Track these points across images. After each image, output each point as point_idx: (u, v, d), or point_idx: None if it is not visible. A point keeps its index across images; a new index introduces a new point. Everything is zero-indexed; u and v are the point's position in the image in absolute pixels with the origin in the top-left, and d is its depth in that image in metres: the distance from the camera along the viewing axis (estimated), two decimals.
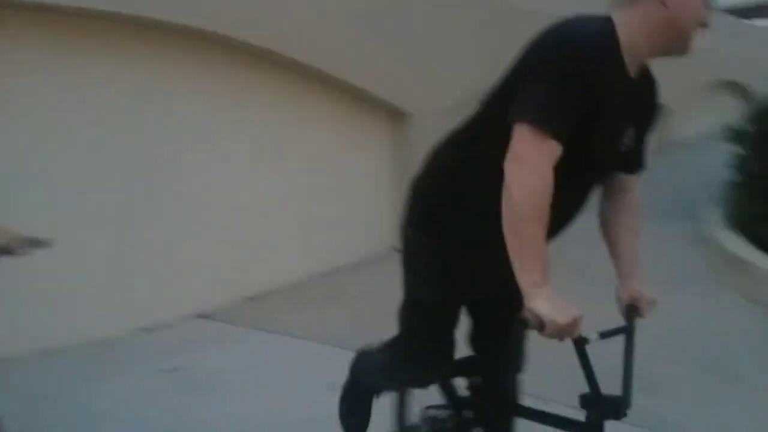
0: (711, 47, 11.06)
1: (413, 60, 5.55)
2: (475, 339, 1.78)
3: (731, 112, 5.23)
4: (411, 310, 1.67)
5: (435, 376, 1.73)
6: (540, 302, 1.17)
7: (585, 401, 1.40)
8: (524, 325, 1.19)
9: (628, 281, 1.54)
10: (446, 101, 5.98)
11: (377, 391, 2.01)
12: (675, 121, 10.36)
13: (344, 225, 5.26)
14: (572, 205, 1.45)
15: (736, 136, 4.99)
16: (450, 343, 1.65)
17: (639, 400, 2.81)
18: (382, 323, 3.79)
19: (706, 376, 3.08)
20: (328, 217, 5.11)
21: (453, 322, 1.64)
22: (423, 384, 1.77)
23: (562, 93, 1.19)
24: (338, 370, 3.23)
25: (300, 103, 4.85)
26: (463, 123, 1.49)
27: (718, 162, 5.37)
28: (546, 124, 1.17)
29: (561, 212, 1.34)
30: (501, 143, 1.25)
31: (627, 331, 1.47)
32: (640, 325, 3.75)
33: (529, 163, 1.18)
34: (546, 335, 1.18)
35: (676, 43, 1.31)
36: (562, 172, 1.22)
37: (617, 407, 1.36)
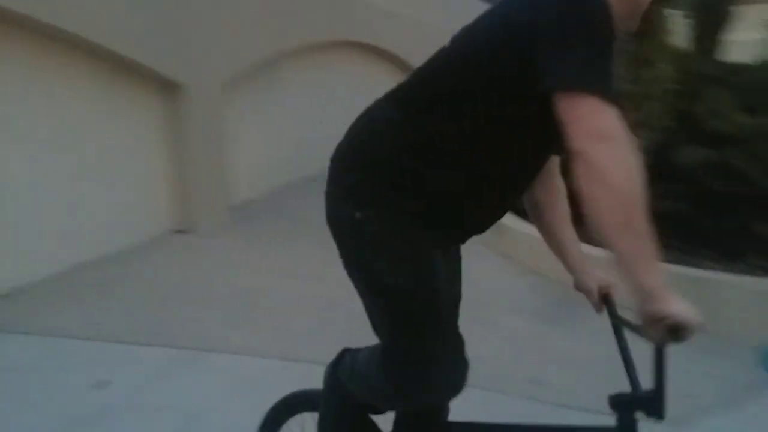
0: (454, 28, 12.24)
1: (188, 27, 5.21)
2: None
3: None
4: (397, 307, 1.26)
5: (456, 384, 1.35)
6: (680, 305, 0.98)
7: (621, 402, 1.19)
8: (673, 335, 0.98)
9: (588, 271, 1.46)
10: (227, 73, 5.75)
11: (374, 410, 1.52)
12: None
13: (112, 208, 4.80)
14: (533, 177, 1.34)
15: None
16: (459, 338, 1.33)
17: None
18: (157, 314, 3.60)
19: (474, 326, 3.42)
20: (91, 200, 4.61)
21: (452, 310, 1.32)
22: (440, 398, 1.37)
23: (609, 55, 1.03)
24: (106, 366, 2.97)
25: (53, 72, 4.27)
26: (419, 83, 1.27)
27: None
28: (610, 92, 1.01)
29: (525, 183, 1.30)
30: (494, 107, 1.14)
31: (617, 323, 1.34)
32: None
33: (621, 140, 0.99)
34: (676, 342, 0.99)
35: (629, 19, 1.21)
36: (544, 139, 1.18)
37: (660, 405, 1.16)
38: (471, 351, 3.47)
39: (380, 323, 1.31)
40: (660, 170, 3.98)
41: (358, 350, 1.50)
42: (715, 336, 3.23)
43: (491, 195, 1.28)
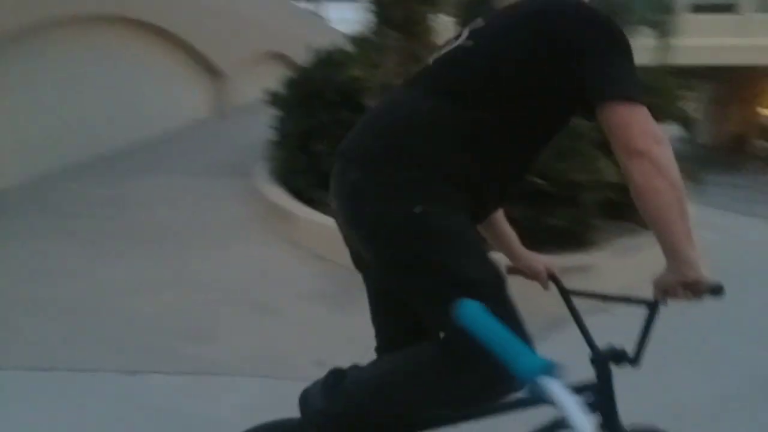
0: (263, 22, 12.10)
1: None
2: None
3: (279, 79, 5.81)
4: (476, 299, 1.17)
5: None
6: (706, 271, 1.23)
7: (599, 358, 1.39)
8: (711, 293, 1.24)
9: (532, 255, 1.63)
10: None
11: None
12: (234, 87, 11.00)
13: None
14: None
15: (275, 100, 5.55)
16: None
17: (197, 350, 2.93)
18: None
19: (257, 315, 3.38)
20: None
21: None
22: (514, 391, 1.28)
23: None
24: None
25: None
26: (454, 78, 1.33)
27: (267, 123, 5.90)
28: (643, 102, 1.20)
29: (525, 176, 1.43)
30: (528, 109, 1.28)
31: (568, 296, 1.51)
32: (204, 278, 3.78)
33: (668, 143, 1.18)
34: (712, 297, 1.25)
35: None
36: (553, 132, 1.35)
37: (639, 354, 1.40)
38: (255, 340, 3.42)
39: (445, 322, 1.21)
40: None
41: (362, 367, 1.40)
42: None
43: (506, 186, 1.40)
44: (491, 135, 1.29)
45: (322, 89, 4.93)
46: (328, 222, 4.58)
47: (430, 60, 1.41)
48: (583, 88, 1.22)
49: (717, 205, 5.73)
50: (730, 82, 16.37)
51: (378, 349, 1.57)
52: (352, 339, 3.27)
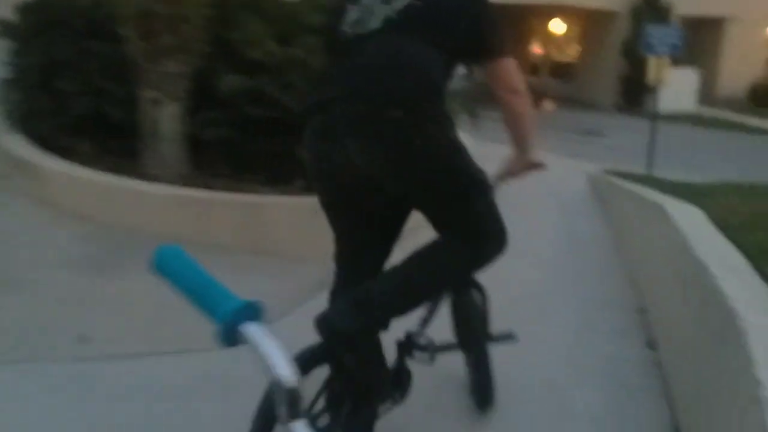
0: None
1: None
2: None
3: (13, 6, 4.75)
4: (489, 195, 1.73)
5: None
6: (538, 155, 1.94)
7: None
8: (540, 168, 1.97)
9: None
10: None
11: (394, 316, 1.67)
12: None
13: None
14: None
15: (7, 30, 4.59)
16: None
17: None
18: None
19: (7, 291, 2.79)
20: None
21: None
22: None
23: None
24: None
25: None
26: (431, 35, 1.64)
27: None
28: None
29: None
30: (452, 56, 1.71)
31: None
32: None
33: (525, 88, 1.75)
34: (529, 174, 1.98)
35: None
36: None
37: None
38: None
39: (471, 214, 1.65)
40: (202, 97, 3.92)
41: (377, 280, 1.68)
42: (263, 255, 3.44)
43: None
44: (445, 74, 1.69)
45: (66, 17, 4.17)
46: (85, 174, 3.99)
47: (391, 13, 1.63)
48: (483, 45, 1.70)
49: (491, 139, 6.23)
50: (508, 21, 18.11)
51: (341, 283, 1.80)
52: (117, 306, 2.87)
